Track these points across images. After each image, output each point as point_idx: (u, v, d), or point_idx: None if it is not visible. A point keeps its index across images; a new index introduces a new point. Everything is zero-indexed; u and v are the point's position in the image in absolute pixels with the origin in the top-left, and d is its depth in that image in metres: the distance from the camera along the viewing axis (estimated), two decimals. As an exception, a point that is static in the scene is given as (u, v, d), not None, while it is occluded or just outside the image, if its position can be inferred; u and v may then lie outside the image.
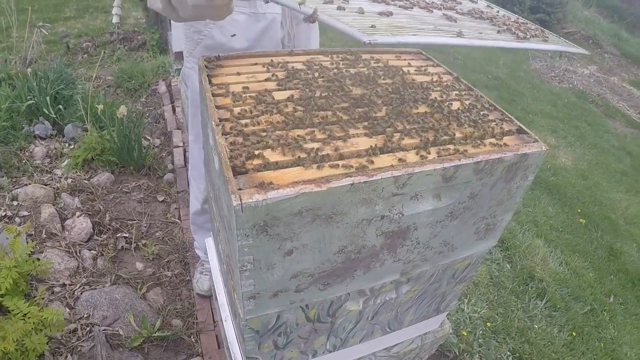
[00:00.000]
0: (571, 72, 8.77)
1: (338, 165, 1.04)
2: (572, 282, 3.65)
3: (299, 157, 1.04)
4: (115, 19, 5.21)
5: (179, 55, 3.59)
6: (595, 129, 6.78)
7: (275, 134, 1.12)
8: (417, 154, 1.13)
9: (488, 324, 2.92)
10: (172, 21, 3.51)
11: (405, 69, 1.59)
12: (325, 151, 1.08)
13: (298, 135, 1.13)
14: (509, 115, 1.45)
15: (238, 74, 1.39)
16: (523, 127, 1.39)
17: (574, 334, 3.15)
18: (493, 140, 1.28)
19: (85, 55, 5.32)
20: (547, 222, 4.32)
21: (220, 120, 1.14)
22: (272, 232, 0.97)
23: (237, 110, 1.20)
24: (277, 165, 1.01)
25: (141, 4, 5.47)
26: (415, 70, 1.61)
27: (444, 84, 1.56)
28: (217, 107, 1.19)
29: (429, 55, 1.78)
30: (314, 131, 1.15)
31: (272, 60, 1.48)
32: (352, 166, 1.03)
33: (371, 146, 1.11)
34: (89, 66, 4.86)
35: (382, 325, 1.66)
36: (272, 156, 1.04)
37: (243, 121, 1.16)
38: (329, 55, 1.60)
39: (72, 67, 4.81)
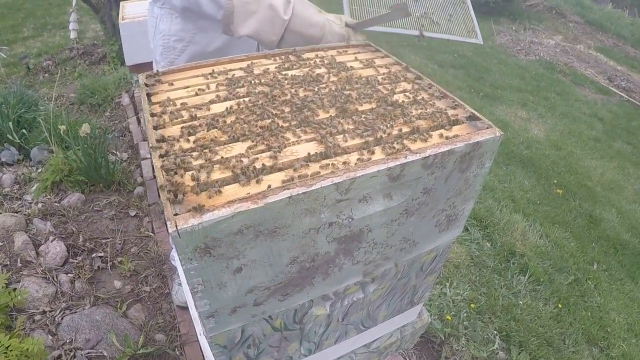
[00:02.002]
0: (537, 44, 8.80)
1: (276, 178, 1.01)
2: (554, 254, 3.67)
3: (237, 173, 1.01)
4: (73, 35, 5.13)
5: (134, 68, 3.53)
6: (565, 99, 6.83)
7: (212, 150, 1.09)
8: (360, 156, 1.11)
9: (472, 305, 2.93)
10: (123, 33, 3.47)
11: (351, 64, 1.57)
12: (264, 163, 1.05)
13: (236, 150, 1.10)
14: (460, 102, 1.42)
15: (177, 88, 1.36)
16: (475, 113, 1.36)
17: (559, 305, 3.17)
18: (442, 131, 1.26)
19: (47, 75, 5.22)
20: (524, 196, 4.34)
21: (158, 141, 1.11)
22: (216, 252, 0.95)
23: (174, 129, 1.17)
24: (215, 184, 0.98)
25: (98, 16, 5.38)
26: (362, 65, 1.59)
27: (393, 75, 1.53)
28: (155, 128, 1.16)
29: (377, 46, 1.76)
30: (252, 143, 1.13)
31: (213, 70, 1.45)
32: (289, 178, 1.01)
33: (309, 153, 1.09)
34: (50, 85, 4.76)
35: (356, 324, 1.64)
36: (210, 175, 1.01)
37: (180, 140, 1.13)
38: (272, 58, 1.57)
39: (34, 88, 4.72)
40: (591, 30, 10.46)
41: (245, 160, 1.06)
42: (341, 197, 1.04)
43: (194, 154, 1.09)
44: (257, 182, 0.99)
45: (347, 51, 1.69)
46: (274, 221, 0.97)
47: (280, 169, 1.05)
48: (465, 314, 2.84)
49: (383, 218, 1.20)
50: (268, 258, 1.05)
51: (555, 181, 4.70)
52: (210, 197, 0.95)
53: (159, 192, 2.73)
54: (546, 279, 3.37)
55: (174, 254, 2.59)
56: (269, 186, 0.97)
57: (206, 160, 1.06)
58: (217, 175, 1.02)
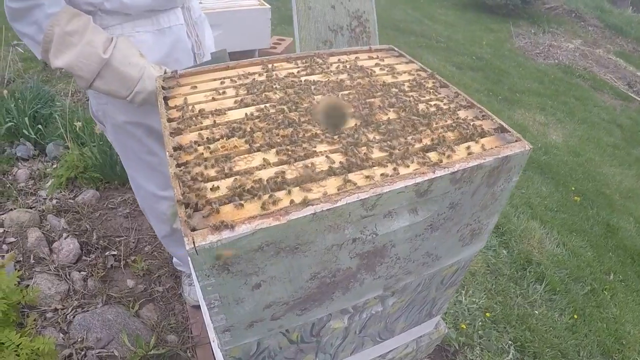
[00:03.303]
0: (556, 48, 8.67)
1: (299, 192, 0.97)
2: (571, 263, 3.61)
3: (257, 186, 0.97)
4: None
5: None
6: (584, 104, 6.72)
7: (232, 161, 1.05)
8: (386, 170, 1.06)
9: (487, 314, 2.88)
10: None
11: (374, 70, 1.52)
12: (286, 177, 1.01)
13: (257, 160, 1.07)
14: (488, 113, 1.37)
15: (196, 92, 1.32)
16: (504, 124, 1.31)
17: (575, 316, 3.11)
18: (471, 144, 1.21)
19: (64, 70, 5.21)
20: (541, 203, 4.27)
21: (175, 148, 1.07)
22: (234, 269, 0.91)
23: (192, 135, 1.13)
24: (235, 198, 0.94)
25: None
26: (384, 71, 1.54)
27: (417, 83, 1.48)
28: (172, 134, 1.12)
29: (401, 51, 1.71)
30: (273, 154, 1.09)
31: (232, 74, 1.41)
32: (313, 192, 0.97)
33: (332, 165, 1.05)
34: (67, 81, 4.74)
35: (373, 336, 1.61)
36: (229, 188, 0.97)
37: (198, 148, 1.09)
38: (293, 62, 1.52)
39: (51, 84, 4.71)
40: (611, 35, 10.29)
41: (267, 173, 1.02)
42: (366, 213, 1.00)
43: (213, 164, 1.05)
44: (277, 200, 0.95)
45: (371, 56, 1.64)
46: (296, 238, 0.94)
47: (302, 183, 1.01)
48: (480, 323, 2.80)
49: (408, 233, 1.16)
50: (288, 274, 1.01)
51: (573, 188, 4.62)
52: (230, 212, 0.91)
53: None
54: (562, 289, 3.31)
55: (177, 260, 2.58)
56: (292, 201, 0.93)
57: (226, 171, 1.02)
58: (237, 188, 0.98)
